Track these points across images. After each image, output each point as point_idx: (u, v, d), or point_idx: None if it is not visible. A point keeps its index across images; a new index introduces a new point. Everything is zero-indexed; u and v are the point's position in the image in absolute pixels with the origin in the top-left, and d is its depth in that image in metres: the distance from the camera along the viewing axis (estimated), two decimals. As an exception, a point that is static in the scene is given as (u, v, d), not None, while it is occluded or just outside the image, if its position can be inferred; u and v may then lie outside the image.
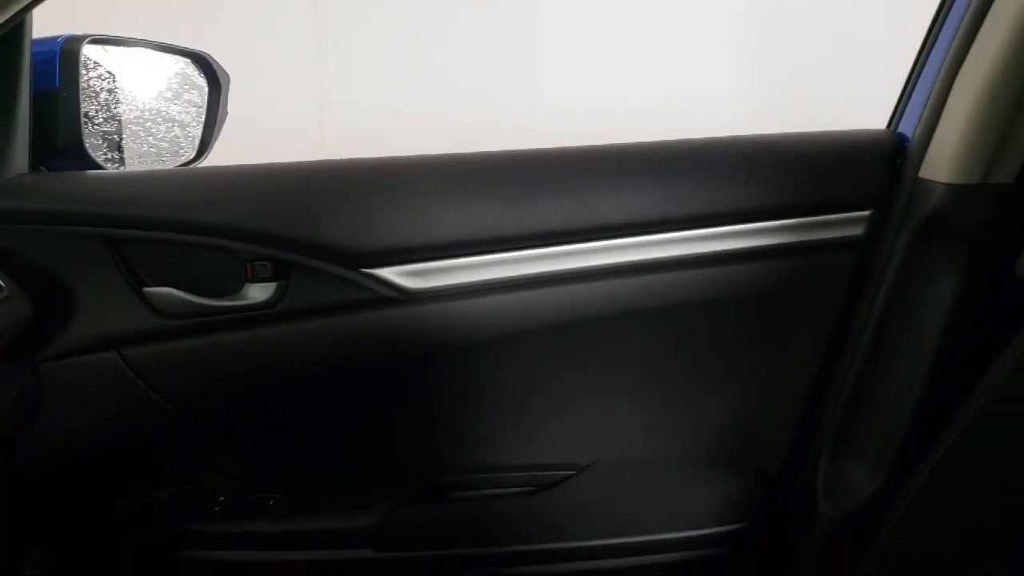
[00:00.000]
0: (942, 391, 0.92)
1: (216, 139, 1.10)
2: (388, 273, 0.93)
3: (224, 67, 1.10)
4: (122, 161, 1.03)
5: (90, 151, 0.97)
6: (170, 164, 1.07)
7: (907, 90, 1.03)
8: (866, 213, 0.97)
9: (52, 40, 0.95)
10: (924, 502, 0.87)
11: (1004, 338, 0.80)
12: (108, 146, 1.01)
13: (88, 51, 0.97)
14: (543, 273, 0.95)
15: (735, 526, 1.00)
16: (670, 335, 1.00)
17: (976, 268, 0.91)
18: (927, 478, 0.86)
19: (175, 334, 0.93)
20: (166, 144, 1.06)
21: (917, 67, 1.03)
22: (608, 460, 1.03)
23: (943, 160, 0.92)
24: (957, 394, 0.84)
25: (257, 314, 0.93)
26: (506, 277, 0.94)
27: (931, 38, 1.01)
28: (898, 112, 1.04)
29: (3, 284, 0.86)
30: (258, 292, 0.93)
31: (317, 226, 0.91)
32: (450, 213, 0.92)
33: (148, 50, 1.04)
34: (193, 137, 1.08)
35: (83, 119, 0.96)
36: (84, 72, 0.96)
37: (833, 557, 0.97)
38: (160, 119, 1.05)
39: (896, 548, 0.89)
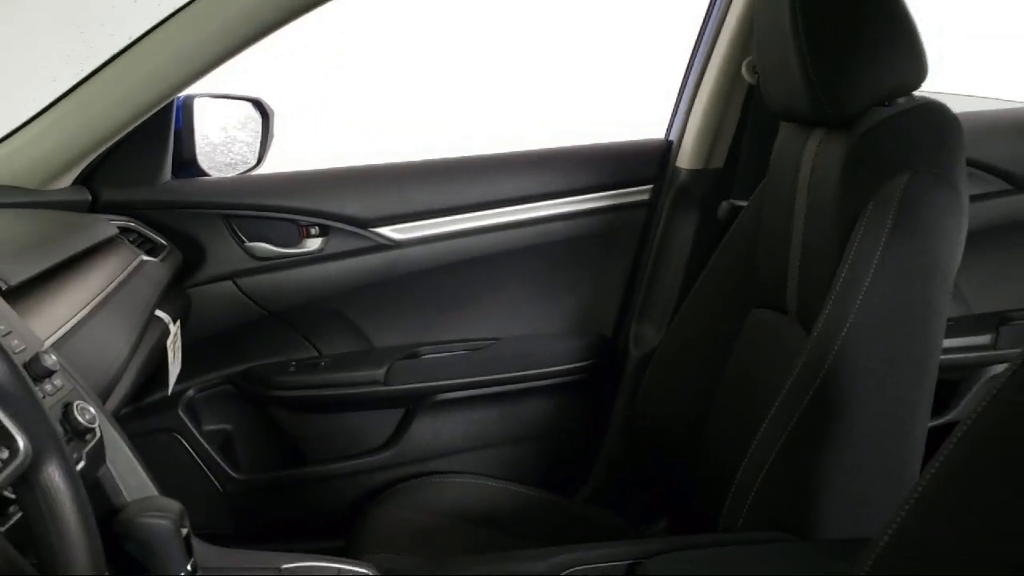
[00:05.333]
0: (688, 281, 1.63)
1: (268, 153, 1.76)
2: (385, 230, 1.59)
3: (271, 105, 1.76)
4: (216, 168, 1.68)
5: (200, 164, 1.63)
6: (242, 170, 1.72)
7: (676, 103, 1.73)
8: (649, 187, 1.67)
9: (176, 98, 1.60)
10: (667, 346, 1.49)
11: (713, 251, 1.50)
12: (207, 160, 1.67)
13: (196, 103, 1.62)
14: (472, 228, 1.62)
15: (586, 362, 1.69)
16: (544, 261, 1.68)
17: (703, 218, 1.63)
18: (668, 331, 1.51)
19: (264, 269, 1.57)
20: (240, 157, 1.70)
21: (682, 86, 1.73)
22: (512, 335, 1.72)
23: (685, 153, 1.64)
24: (694, 282, 1.54)
25: (310, 257, 1.58)
26: (452, 231, 1.61)
27: (690, 64, 1.69)
28: (672, 118, 1.75)
29: (166, 244, 1.52)
30: (310, 244, 1.58)
31: (343, 204, 1.58)
32: (420, 195, 1.60)
33: (228, 99, 1.69)
34: (254, 151, 1.73)
35: (195, 145, 1.62)
36: (195, 116, 1.62)
37: (637, 382, 1.63)
38: (236, 141, 1.70)
39: (657, 377, 1.48)
